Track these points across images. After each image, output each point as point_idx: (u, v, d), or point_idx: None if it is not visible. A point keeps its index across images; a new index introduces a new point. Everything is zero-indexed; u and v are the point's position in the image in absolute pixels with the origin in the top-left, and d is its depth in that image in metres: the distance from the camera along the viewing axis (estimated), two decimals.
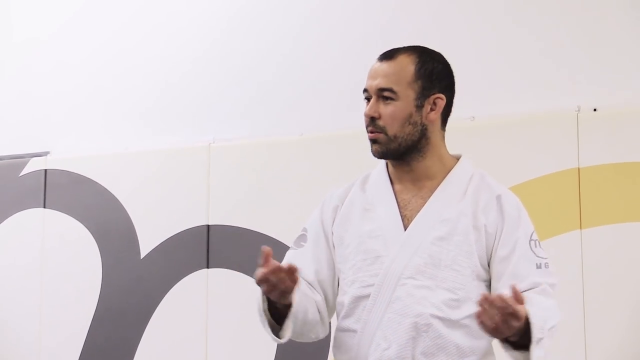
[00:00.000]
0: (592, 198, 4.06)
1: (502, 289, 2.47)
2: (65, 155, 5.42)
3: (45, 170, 5.42)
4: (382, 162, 2.70)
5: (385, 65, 2.60)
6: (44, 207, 5.39)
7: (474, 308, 2.45)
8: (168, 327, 4.97)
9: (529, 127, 4.25)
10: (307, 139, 4.77)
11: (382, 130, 2.57)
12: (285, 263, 2.40)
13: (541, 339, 2.32)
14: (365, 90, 2.62)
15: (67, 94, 5.55)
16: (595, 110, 4.13)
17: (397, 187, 2.64)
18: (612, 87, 4.17)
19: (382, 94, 2.57)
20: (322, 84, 4.86)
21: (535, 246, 2.57)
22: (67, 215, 5.32)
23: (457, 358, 2.49)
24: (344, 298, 2.59)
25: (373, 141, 2.59)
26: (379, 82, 2.58)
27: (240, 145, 4.95)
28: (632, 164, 4.03)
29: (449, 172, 2.63)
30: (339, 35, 4.88)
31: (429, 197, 2.59)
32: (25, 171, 5.48)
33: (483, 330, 2.31)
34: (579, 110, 4.14)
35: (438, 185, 2.60)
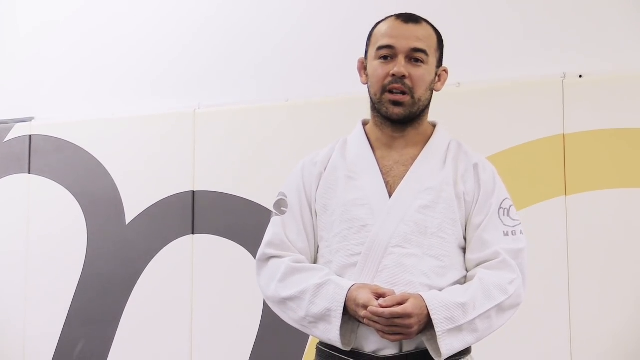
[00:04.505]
0: (577, 164, 4.07)
1: (468, 255, 2.56)
2: (50, 121, 5.40)
3: (30, 136, 5.40)
4: (359, 126, 2.70)
5: (415, 28, 2.58)
6: (29, 172, 5.38)
7: (458, 275, 2.53)
8: (153, 293, 4.98)
9: (514, 94, 4.25)
10: (293, 105, 4.76)
11: (410, 91, 2.55)
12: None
13: (451, 329, 2.38)
14: (387, 47, 2.57)
15: (52, 60, 5.53)
16: (580, 76, 4.13)
17: (378, 153, 2.64)
18: (597, 53, 4.17)
19: (414, 55, 2.55)
20: (309, 51, 4.84)
21: (504, 214, 2.58)
22: (52, 181, 5.31)
23: None
24: (329, 267, 2.58)
25: (396, 103, 2.56)
26: (414, 43, 2.55)
27: (225, 111, 4.93)
28: (617, 130, 4.04)
29: (427, 139, 2.64)
30: (326, 1, 4.86)
31: (411, 164, 2.59)
32: (9, 137, 5.46)
33: (389, 340, 2.42)
34: (564, 77, 4.15)
35: (418, 153, 2.61)
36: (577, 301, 4.02)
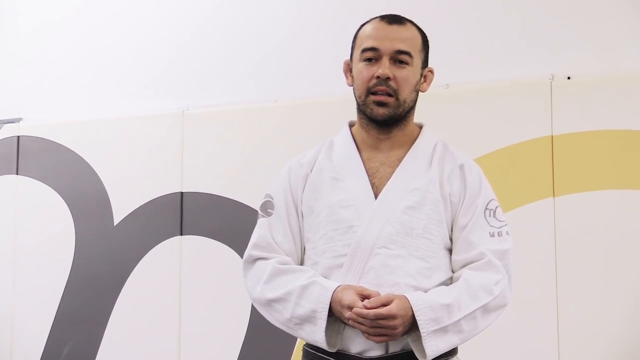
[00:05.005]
0: (565, 166, 4.08)
1: (454, 256, 2.55)
2: (38, 122, 5.39)
3: (18, 137, 5.38)
4: (346, 128, 2.70)
5: (399, 29, 2.58)
6: (17, 173, 5.37)
7: (444, 276, 2.53)
8: (141, 294, 4.97)
9: (503, 95, 4.25)
10: (281, 106, 4.75)
11: (394, 92, 2.54)
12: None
13: (436, 330, 2.38)
14: (372, 49, 2.56)
15: (41, 61, 5.51)
16: (569, 78, 4.14)
17: (365, 154, 2.63)
18: (585, 55, 4.17)
19: (399, 57, 2.55)
20: (297, 52, 4.84)
21: (490, 215, 2.58)
22: (40, 182, 5.30)
23: None
24: (316, 268, 2.58)
25: (380, 104, 2.56)
26: (398, 45, 2.55)
27: (214, 112, 4.93)
28: (605, 131, 4.04)
29: (413, 140, 2.64)
30: (315, 2, 4.85)
31: (397, 165, 2.59)
32: None
33: (375, 341, 2.41)
34: (552, 78, 4.15)
35: (404, 154, 2.61)
36: (564, 302, 4.03)
